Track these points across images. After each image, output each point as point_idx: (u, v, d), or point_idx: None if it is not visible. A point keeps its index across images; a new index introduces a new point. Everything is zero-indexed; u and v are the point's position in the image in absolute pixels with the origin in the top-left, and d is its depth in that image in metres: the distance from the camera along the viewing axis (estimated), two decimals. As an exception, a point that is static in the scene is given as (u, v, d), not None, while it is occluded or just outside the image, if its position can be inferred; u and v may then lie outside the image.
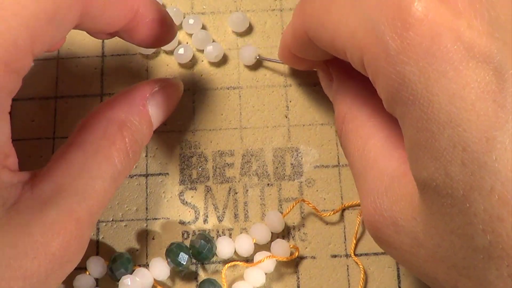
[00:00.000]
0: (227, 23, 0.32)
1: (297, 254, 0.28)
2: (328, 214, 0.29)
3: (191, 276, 0.28)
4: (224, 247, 0.28)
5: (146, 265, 0.28)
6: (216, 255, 0.28)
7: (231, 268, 0.28)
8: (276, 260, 0.28)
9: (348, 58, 0.23)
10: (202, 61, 0.32)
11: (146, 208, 0.29)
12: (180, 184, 0.30)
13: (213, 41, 0.32)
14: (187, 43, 0.32)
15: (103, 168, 0.23)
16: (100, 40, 0.32)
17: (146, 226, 0.29)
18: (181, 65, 0.32)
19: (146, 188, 0.30)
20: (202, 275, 0.28)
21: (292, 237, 0.29)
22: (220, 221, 0.29)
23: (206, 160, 0.30)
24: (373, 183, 0.24)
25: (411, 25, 0.19)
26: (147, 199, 0.29)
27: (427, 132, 0.19)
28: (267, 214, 0.29)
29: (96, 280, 0.28)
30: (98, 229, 0.29)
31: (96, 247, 0.29)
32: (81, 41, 0.32)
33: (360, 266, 0.28)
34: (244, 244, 0.28)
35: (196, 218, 0.29)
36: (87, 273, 0.28)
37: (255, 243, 0.28)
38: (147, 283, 0.27)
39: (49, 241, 0.21)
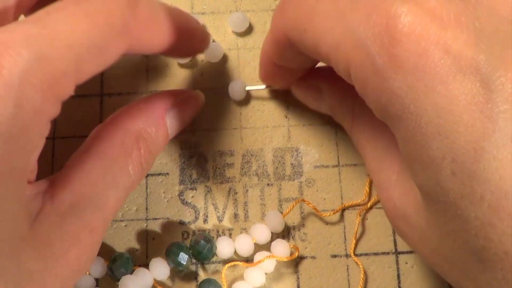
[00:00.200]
0: (227, 23, 0.32)
1: (297, 254, 0.28)
2: (328, 214, 0.29)
3: (191, 276, 0.28)
4: (224, 247, 0.28)
5: (146, 265, 0.28)
6: (216, 255, 0.28)
7: (231, 268, 0.28)
8: (276, 260, 0.28)
9: (333, 66, 0.23)
10: (202, 61, 0.32)
11: (146, 208, 0.29)
12: (180, 184, 0.30)
13: (213, 41, 0.32)
14: (187, 43, 0.32)
15: (118, 179, 0.24)
16: (100, 40, 0.32)
17: (146, 226, 0.29)
18: (181, 65, 0.32)
19: (146, 188, 0.30)
20: (202, 275, 0.28)
21: (292, 237, 0.29)
22: (220, 221, 0.29)
23: (206, 160, 0.30)
24: (386, 172, 0.24)
25: (398, 41, 0.19)
26: (147, 199, 0.29)
27: (416, 144, 0.20)
28: (267, 214, 0.29)
29: (96, 280, 0.28)
30: (98, 229, 0.29)
31: (96, 247, 0.29)
32: (81, 41, 0.32)
33: (360, 266, 0.28)
34: (244, 244, 0.28)
35: (196, 218, 0.29)
36: (87, 273, 0.28)
37: (255, 243, 0.28)
38: (147, 283, 0.27)
39: (66, 252, 0.22)
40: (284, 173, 0.30)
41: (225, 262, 0.28)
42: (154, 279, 0.27)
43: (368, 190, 0.29)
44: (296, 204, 0.29)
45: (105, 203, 0.23)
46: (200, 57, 0.32)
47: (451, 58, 0.19)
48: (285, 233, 0.29)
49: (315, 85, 0.29)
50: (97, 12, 0.21)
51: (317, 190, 0.29)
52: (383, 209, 0.24)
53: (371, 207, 0.29)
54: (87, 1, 0.22)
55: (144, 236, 0.29)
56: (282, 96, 0.31)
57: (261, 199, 0.29)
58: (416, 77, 0.19)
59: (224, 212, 0.29)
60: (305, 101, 0.30)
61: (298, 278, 0.28)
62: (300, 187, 0.30)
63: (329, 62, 0.23)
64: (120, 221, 0.29)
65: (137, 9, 0.23)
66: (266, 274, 0.28)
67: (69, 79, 0.21)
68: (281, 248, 0.28)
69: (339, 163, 0.30)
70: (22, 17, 0.25)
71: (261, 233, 0.28)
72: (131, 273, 0.27)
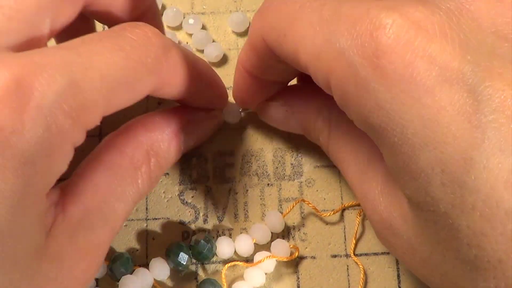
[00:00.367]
0: (227, 23, 0.32)
1: (297, 254, 0.28)
2: (328, 214, 0.29)
3: (191, 276, 0.28)
4: (224, 247, 0.28)
5: (146, 265, 0.28)
6: (216, 255, 0.28)
7: (231, 268, 0.28)
8: (276, 260, 0.28)
9: (311, 75, 0.22)
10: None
11: (146, 208, 0.29)
12: (180, 184, 0.30)
13: (213, 41, 0.32)
14: (187, 43, 0.32)
15: (126, 192, 0.24)
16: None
17: (146, 226, 0.29)
18: (181, 65, 0.32)
19: (146, 188, 0.30)
20: (202, 275, 0.28)
21: (292, 237, 0.29)
22: (220, 221, 0.29)
23: (206, 160, 0.30)
24: (369, 184, 0.24)
25: (383, 52, 0.19)
26: (147, 199, 0.29)
27: (403, 155, 0.19)
28: (267, 214, 0.29)
29: (96, 280, 0.28)
30: (98, 229, 0.29)
31: (96, 247, 0.29)
32: (81, 41, 0.32)
33: (360, 266, 0.28)
34: (244, 244, 0.28)
35: (196, 218, 0.29)
36: (87, 273, 0.28)
37: (255, 243, 0.28)
38: (147, 283, 0.27)
39: (75, 266, 0.22)
40: (284, 173, 0.30)
41: (225, 262, 0.28)
42: (154, 279, 0.27)
43: (368, 190, 0.29)
44: (296, 204, 0.29)
45: (114, 216, 0.23)
46: (200, 57, 0.32)
47: (437, 69, 0.19)
48: (285, 233, 0.29)
49: (283, 104, 0.28)
50: (133, 48, 0.22)
51: (317, 190, 0.29)
52: (370, 221, 0.24)
53: (371, 207, 0.29)
54: (124, 37, 0.22)
55: (144, 236, 0.29)
56: (282, 96, 0.31)
57: (261, 199, 0.29)
58: (401, 88, 0.19)
59: (224, 212, 0.29)
60: (274, 123, 0.29)
61: (298, 278, 0.28)
62: (300, 187, 0.30)
63: (307, 71, 0.23)
64: (120, 221, 0.29)
65: (169, 52, 0.23)
66: (266, 274, 0.28)
67: (98, 109, 0.21)
68: (281, 248, 0.28)
69: (339, 163, 0.30)
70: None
71: (261, 233, 0.28)
72: (131, 273, 0.27)
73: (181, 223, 0.29)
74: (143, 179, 0.24)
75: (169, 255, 0.27)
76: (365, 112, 0.20)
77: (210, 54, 0.31)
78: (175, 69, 0.24)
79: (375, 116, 0.20)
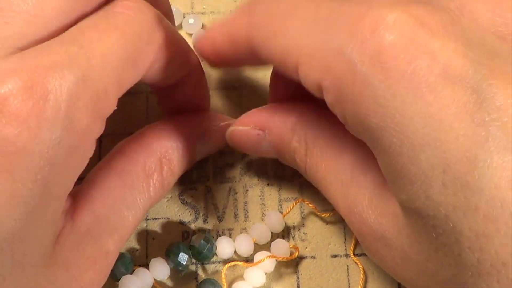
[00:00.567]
0: (227, 23, 0.32)
1: (297, 254, 0.28)
2: (328, 214, 0.29)
3: (191, 276, 0.28)
4: (224, 247, 0.28)
5: (146, 265, 0.28)
6: (216, 255, 0.28)
7: (231, 268, 0.28)
8: (276, 260, 0.28)
9: (300, 77, 0.22)
10: (202, 61, 0.32)
11: (146, 208, 0.29)
12: (180, 184, 0.30)
13: (213, 41, 0.32)
14: (187, 43, 0.32)
15: (137, 200, 0.24)
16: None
17: (146, 226, 0.29)
18: (181, 65, 0.32)
19: (146, 188, 0.30)
20: (202, 275, 0.28)
21: (292, 237, 0.29)
22: (220, 221, 0.29)
23: (206, 160, 0.30)
24: (355, 199, 0.23)
25: (384, 48, 0.19)
26: (147, 199, 0.29)
27: (402, 156, 0.19)
28: (267, 214, 0.29)
29: (96, 280, 0.28)
30: (98, 229, 0.29)
31: (96, 247, 0.29)
32: (81, 41, 0.32)
33: (360, 266, 0.28)
34: (244, 244, 0.28)
35: (196, 218, 0.29)
36: (87, 273, 0.28)
37: (255, 243, 0.28)
38: (147, 283, 0.27)
39: (81, 275, 0.22)
40: (284, 173, 0.30)
41: (225, 262, 0.28)
42: (154, 279, 0.27)
43: (368, 190, 0.29)
44: (296, 204, 0.29)
45: (123, 225, 0.23)
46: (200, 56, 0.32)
47: (440, 67, 0.18)
48: (285, 233, 0.29)
49: (254, 128, 0.26)
50: (127, 24, 0.22)
51: (317, 190, 0.29)
52: (358, 237, 0.23)
53: (371, 207, 0.29)
54: (116, 15, 0.22)
55: (144, 236, 0.29)
56: (282, 96, 0.31)
57: (261, 199, 0.29)
58: (402, 85, 0.19)
59: (224, 212, 0.29)
60: (245, 149, 0.27)
61: (298, 278, 0.28)
62: (300, 187, 0.29)
63: (295, 72, 0.22)
64: (120, 221, 0.29)
65: (163, 22, 0.23)
66: (266, 274, 0.28)
67: (111, 95, 0.21)
68: (281, 248, 0.28)
69: (339, 163, 0.30)
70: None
71: (261, 233, 0.28)
72: (131, 273, 0.27)
73: (181, 223, 0.29)
74: (155, 187, 0.24)
75: (169, 255, 0.27)
76: (362, 112, 0.20)
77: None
78: (168, 38, 0.24)
79: (373, 115, 0.19)
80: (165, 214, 0.29)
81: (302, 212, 0.29)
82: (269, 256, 0.27)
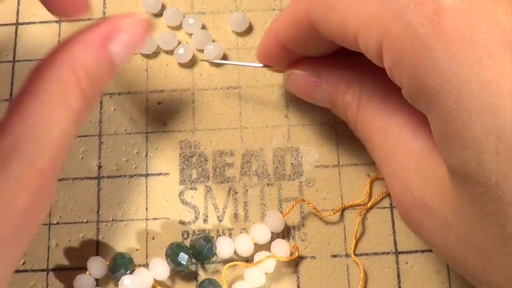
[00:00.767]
0: (227, 23, 0.32)
1: (297, 254, 0.28)
2: (328, 214, 0.29)
3: (191, 276, 0.28)
4: (224, 247, 0.28)
5: (146, 265, 0.28)
6: (216, 255, 0.28)
7: (231, 268, 0.28)
8: (276, 260, 0.28)
9: (360, 45, 0.22)
10: (202, 61, 0.32)
11: (146, 208, 0.29)
12: (180, 184, 0.30)
13: (213, 41, 0.32)
14: (187, 43, 0.32)
15: (60, 113, 0.22)
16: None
17: (146, 226, 0.29)
18: (181, 65, 0.32)
19: (146, 188, 0.30)
20: (202, 275, 0.28)
21: (292, 237, 0.29)
22: (220, 221, 0.29)
23: (206, 160, 0.30)
24: (401, 162, 0.23)
25: (444, 10, 0.19)
26: (147, 199, 0.29)
27: (456, 121, 0.19)
28: (267, 214, 0.29)
29: (96, 280, 0.28)
30: (98, 229, 0.29)
31: (96, 247, 0.29)
32: (81, 41, 0.32)
33: (360, 266, 0.28)
34: (244, 244, 0.28)
35: (196, 218, 0.29)
36: (87, 273, 0.28)
37: (255, 243, 0.28)
38: (147, 283, 0.27)
39: (15, 198, 0.21)
40: (284, 173, 0.30)
41: (225, 262, 0.28)
42: (154, 279, 0.27)
43: (368, 190, 0.29)
44: (296, 204, 0.29)
45: (51, 141, 0.22)
46: (200, 57, 0.32)
47: (499, 32, 0.18)
48: (285, 233, 0.29)
49: (311, 73, 0.27)
50: None
51: (317, 190, 0.29)
52: (396, 201, 0.23)
53: (371, 207, 0.29)
54: None
55: (144, 236, 0.29)
56: (282, 95, 0.31)
57: (261, 199, 0.29)
58: (461, 48, 0.18)
59: (224, 212, 0.29)
60: (299, 93, 0.28)
61: (298, 278, 0.28)
62: (300, 187, 0.29)
63: (354, 42, 0.22)
64: (120, 221, 0.29)
65: None
66: (266, 274, 0.28)
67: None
68: (281, 248, 0.28)
69: (339, 163, 0.30)
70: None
71: (261, 233, 0.28)
72: (131, 273, 0.27)
73: (181, 223, 0.29)
74: (75, 96, 0.23)
75: (169, 255, 0.27)
76: (420, 74, 0.19)
77: (210, 54, 0.31)
78: None
79: (431, 77, 0.19)
80: (165, 214, 0.29)
81: (302, 212, 0.29)
82: (269, 256, 0.27)
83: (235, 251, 0.28)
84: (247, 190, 0.29)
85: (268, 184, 0.30)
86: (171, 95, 0.31)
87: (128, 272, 0.27)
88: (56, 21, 0.33)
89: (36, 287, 0.28)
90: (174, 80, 0.31)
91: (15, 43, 0.32)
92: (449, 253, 0.22)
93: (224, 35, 0.32)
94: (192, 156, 0.30)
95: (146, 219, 0.29)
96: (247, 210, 0.29)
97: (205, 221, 0.29)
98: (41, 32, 0.32)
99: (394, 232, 0.29)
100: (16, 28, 0.33)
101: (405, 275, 0.28)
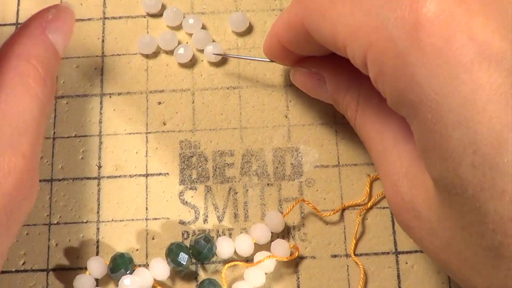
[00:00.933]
0: (227, 23, 0.32)
1: (297, 254, 0.28)
2: (328, 214, 0.29)
3: (191, 276, 0.28)
4: (224, 247, 0.28)
5: (146, 265, 0.28)
6: (216, 255, 0.28)
7: (231, 268, 0.28)
8: (276, 260, 0.28)
9: (348, 54, 0.22)
10: (202, 61, 0.32)
11: (146, 208, 0.29)
12: (180, 184, 0.30)
13: (213, 41, 0.32)
14: (187, 43, 0.32)
15: (27, 102, 0.23)
16: (100, 40, 0.32)
17: (146, 226, 0.29)
18: (181, 65, 0.32)
19: (146, 188, 0.30)
20: (202, 275, 0.28)
21: (292, 237, 0.29)
22: (220, 221, 0.29)
23: (206, 160, 0.30)
24: (393, 165, 0.23)
25: (422, 25, 0.19)
26: (147, 199, 0.29)
27: (435, 133, 0.19)
28: (267, 214, 0.29)
29: (96, 280, 0.28)
30: (98, 229, 0.29)
31: (96, 247, 0.29)
32: (81, 41, 0.32)
33: (360, 266, 0.28)
34: (244, 244, 0.28)
35: (196, 218, 0.29)
36: (87, 273, 0.28)
37: (255, 243, 0.28)
38: (147, 283, 0.27)
39: (2, 181, 0.21)
40: (284, 173, 0.30)
41: (225, 262, 0.28)
42: (154, 279, 0.27)
43: (368, 190, 0.29)
44: (296, 204, 0.29)
45: (26, 127, 0.22)
46: (200, 57, 0.32)
47: (477, 46, 0.18)
48: (285, 233, 0.29)
49: (315, 71, 0.28)
50: None
51: (317, 190, 0.29)
52: (388, 203, 0.24)
53: (371, 207, 0.29)
54: None
55: (144, 236, 0.29)
56: (282, 95, 0.31)
57: (261, 199, 0.29)
58: (439, 63, 0.19)
59: (224, 212, 0.29)
60: (304, 88, 0.29)
61: (298, 278, 0.28)
62: (300, 187, 0.29)
63: (344, 50, 0.22)
64: (120, 221, 0.29)
65: None
66: (266, 274, 0.28)
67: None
68: (281, 248, 0.28)
69: (339, 163, 0.30)
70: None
71: (261, 233, 0.28)
72: (131, 273, 0.27)
73: (181, 223, 0.29)
74: (37, 85, 0.24)
75: (169, 255, 0.27)
76: (401, 87, 0.20)
77: (210, 54, 0.31)
78: None
79: (410, 92, 0.19)
80: (165, 214, 0.29)
81: (302, 212, 0.29)
82: (269, 256, 0.27)
83: (235, 251, 0.28)
84: (247, 190, 0.29)
85: (268, 184, 0.30)
86: (171, 95, 0.31)
87: (128, 272, 0.27)
88: (56, 21, 0.33)
89: (36, 287, 0.28)
90: (174, 80, 0.31)
91: (15, 43, 0.32)
92: (437, 257, 0.22)
93: (224, 35, 0.32)
94: (192, 156, 0.30)
95: (146, 219, 0.29)
96: (247, 210, 0.29)
97: (205, 221, 0.29)
98: (41, 32, 0.32)
99: (394, 232, 0.29)
100: (16, 28, 0.33)
101: (405, 275, 0.28)
